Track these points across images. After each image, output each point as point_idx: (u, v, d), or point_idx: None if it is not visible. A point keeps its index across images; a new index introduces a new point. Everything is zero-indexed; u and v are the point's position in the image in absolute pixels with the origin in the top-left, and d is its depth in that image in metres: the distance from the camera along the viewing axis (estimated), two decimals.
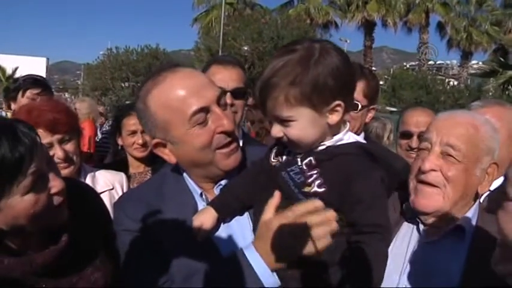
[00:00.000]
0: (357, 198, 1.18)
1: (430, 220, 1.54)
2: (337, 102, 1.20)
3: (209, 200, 1.46)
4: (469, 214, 1.53)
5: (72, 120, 2.31)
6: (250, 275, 1.23)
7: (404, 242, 1.58)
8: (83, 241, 1.44)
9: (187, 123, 1.36)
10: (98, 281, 1.46)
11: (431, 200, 1.49)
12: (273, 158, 1.35)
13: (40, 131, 2.15)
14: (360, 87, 2.33)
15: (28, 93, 3.43)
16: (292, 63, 1.17)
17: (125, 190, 2.47)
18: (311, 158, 1.24)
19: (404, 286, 1.50)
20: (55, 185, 1.27)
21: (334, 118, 1.22)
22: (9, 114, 4.58)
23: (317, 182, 1.21)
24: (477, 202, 1.55)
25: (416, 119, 2.77)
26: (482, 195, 1.58)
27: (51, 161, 1.33)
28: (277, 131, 1.24)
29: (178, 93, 1.37)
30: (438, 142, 1.49)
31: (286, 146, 1.31)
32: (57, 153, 2.19)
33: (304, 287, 1.25)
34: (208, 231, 1.35)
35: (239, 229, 1.44)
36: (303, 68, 1.16)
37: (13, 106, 3.53)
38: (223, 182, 1.49)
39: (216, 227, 1.38)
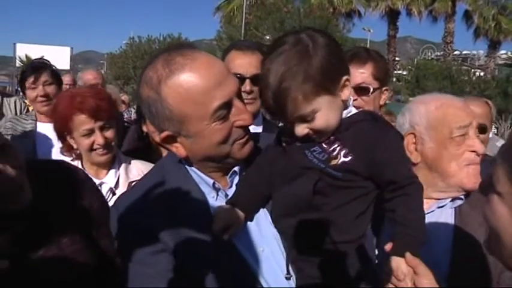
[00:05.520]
0: (388, 158, 1.23)
1: None
2: (345, 77, 1.25)
3: (222, 189, 1.38)
4: None
5: (113, 108, 2.37)
6: None
7: None
8: (50, 226, 1.38)
9: (208, 118, 1.24)
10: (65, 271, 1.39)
11: None
12: (282, 137, 1.35)
13: (82, 117, 2.21)
14: (369, 70, 2.33)
15: (26, 84, 3.43)
16: (294, 60, 1.18)
17: None
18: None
19: None
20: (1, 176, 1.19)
21: (346, 93, 1.26)
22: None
23: (342, 152, 1.24)
24: None
25: (473, 109, 2.70)
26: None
27: (3, 149, 1.24)
28: (301, 129, 1.23)
29: (200, 85, 1.23)
30: None
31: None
32: (97, 139, 2.25)
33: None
34: (234, 234, 1.30)
35: (254, 220, 1.38)
36: (306, 60, 1.18)
37: (27, 101, 3.60)
38: (237, 169, 1.40)
39: (243, 228, 1.33)
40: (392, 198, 1.22)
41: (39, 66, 3.52)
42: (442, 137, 1.60)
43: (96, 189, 1.68)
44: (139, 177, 2.38)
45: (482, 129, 2.73)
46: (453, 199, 1.65)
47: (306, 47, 1.19)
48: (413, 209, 1.22)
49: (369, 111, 1.36)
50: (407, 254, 1.18)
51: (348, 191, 1.26)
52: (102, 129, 2.27)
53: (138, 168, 2.46)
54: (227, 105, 1.26)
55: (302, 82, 1.17)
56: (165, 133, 1.31)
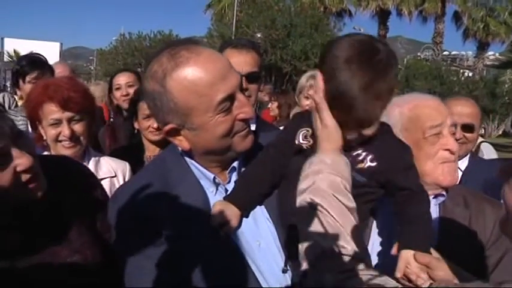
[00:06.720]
0: (406, 167, 1.33)
1: None
2: None
3: (222, 184, 1.41)
4: None
5: (87, 101, 2.31)
6: None
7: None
8: (62, 220, 1.40)
9: (212, 111, 1.27)
10: (74, 264, 1.40)
11: None
12: (302, 140, 1.35)
13: (51, 106, 2.17)
14: None
15: (28, 78, 3.39)
16: (383, 71, 1.17)
17: (126, 179, 2.42)
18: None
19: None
20: (21, 162, 1.21)
21: None
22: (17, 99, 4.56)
23: (368, 157, 1.29)
24: None
25: (460, 109, 2.78)
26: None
27: (19, 137, 1.25)
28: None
29: (205, 77, 1.25)
30: None
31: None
32: (63, 131, 2.21)
33: None
34: (231, 230, 1.32)
35: (251, 215, 1.40)
36: (390, 73, 1.18)
37: (19, 92, 3.51)
38: (235, 164, 1.43)
39: (239, 225, 1.35)
40: (405, 201, 1.32)
41: (42, 62, 3.45)
42: (416, 138, 1.61)
43: (99, 185, 1.70)
44: (109, 175, 2.35)
45: (469, 128, 2.80)
46: (435, 196, 1.68)
47: (389, 59, 1.18)
48: (425, 211, 1.33)
49: (385, 123, 1.39)
50: (417, 253, 1.23)
51: (363, 196, 1.29)
52: (70, 121, 2.22)
53: (109, 165, 2.41)
54: (230, 98, 1.29)
55: (387, 93, 1.19)
56: (169, 126, 1.33)
